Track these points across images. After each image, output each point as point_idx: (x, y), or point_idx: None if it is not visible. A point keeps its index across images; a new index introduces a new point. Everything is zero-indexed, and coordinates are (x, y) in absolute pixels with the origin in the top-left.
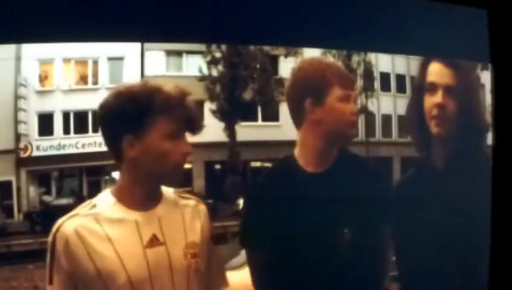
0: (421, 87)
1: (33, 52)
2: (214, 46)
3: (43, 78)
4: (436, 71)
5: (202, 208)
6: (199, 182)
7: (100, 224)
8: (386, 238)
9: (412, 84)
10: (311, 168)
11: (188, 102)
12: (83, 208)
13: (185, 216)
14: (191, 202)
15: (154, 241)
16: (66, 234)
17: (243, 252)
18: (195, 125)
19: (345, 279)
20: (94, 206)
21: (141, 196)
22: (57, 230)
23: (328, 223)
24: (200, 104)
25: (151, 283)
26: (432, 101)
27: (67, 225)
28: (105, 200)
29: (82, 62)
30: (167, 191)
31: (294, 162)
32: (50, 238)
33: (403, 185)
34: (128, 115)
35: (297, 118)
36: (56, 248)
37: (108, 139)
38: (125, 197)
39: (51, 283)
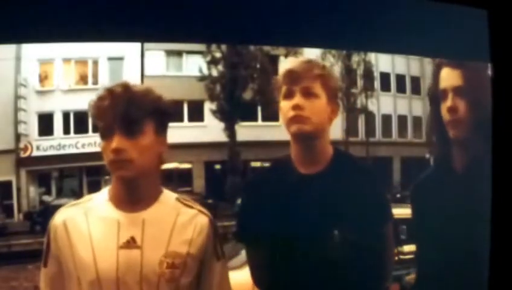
0: (435, 94)
1: (33, 52)
2: (214, 46)
3: (43, 78)
4: (445, 76)
5: (202, 219)
6: (199, 182)
7: (87, 219)
8: (387, 239)
9: (428, 94)
10: (304, 169)
11: (113, 103)
12: (83, 199)
13: (177, 224)
14: (192, 211)
15: (130, 243)
16: (57, 224)
17: (243, 252)
18: (123, 123)
19: (341, 280)
20: (90, 199)
21: (121, 195)
22: (53, 218)
23: (319, 226)
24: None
25: (118, 284)
26: (445, 106)
27: (60, 215)
28: (101, 197)
29: (82, 62)
30: (168, 195)
31: (290, 163)
32: (49, 224)
33: (421, 184)
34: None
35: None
36: (50, 234)
37: None
38: (114, 196)
39: (45, 266)
